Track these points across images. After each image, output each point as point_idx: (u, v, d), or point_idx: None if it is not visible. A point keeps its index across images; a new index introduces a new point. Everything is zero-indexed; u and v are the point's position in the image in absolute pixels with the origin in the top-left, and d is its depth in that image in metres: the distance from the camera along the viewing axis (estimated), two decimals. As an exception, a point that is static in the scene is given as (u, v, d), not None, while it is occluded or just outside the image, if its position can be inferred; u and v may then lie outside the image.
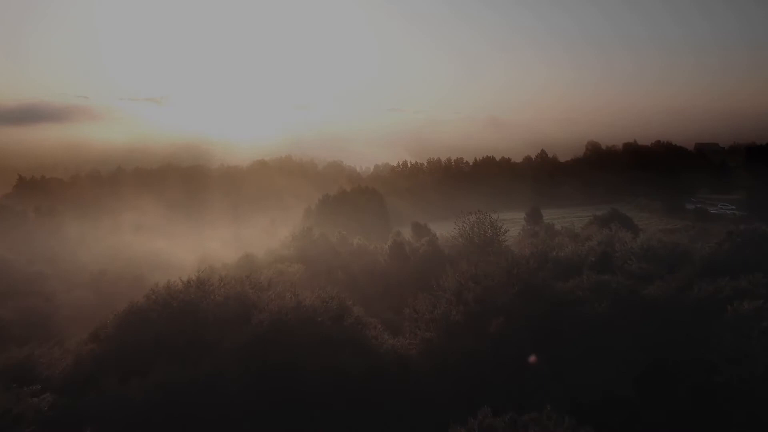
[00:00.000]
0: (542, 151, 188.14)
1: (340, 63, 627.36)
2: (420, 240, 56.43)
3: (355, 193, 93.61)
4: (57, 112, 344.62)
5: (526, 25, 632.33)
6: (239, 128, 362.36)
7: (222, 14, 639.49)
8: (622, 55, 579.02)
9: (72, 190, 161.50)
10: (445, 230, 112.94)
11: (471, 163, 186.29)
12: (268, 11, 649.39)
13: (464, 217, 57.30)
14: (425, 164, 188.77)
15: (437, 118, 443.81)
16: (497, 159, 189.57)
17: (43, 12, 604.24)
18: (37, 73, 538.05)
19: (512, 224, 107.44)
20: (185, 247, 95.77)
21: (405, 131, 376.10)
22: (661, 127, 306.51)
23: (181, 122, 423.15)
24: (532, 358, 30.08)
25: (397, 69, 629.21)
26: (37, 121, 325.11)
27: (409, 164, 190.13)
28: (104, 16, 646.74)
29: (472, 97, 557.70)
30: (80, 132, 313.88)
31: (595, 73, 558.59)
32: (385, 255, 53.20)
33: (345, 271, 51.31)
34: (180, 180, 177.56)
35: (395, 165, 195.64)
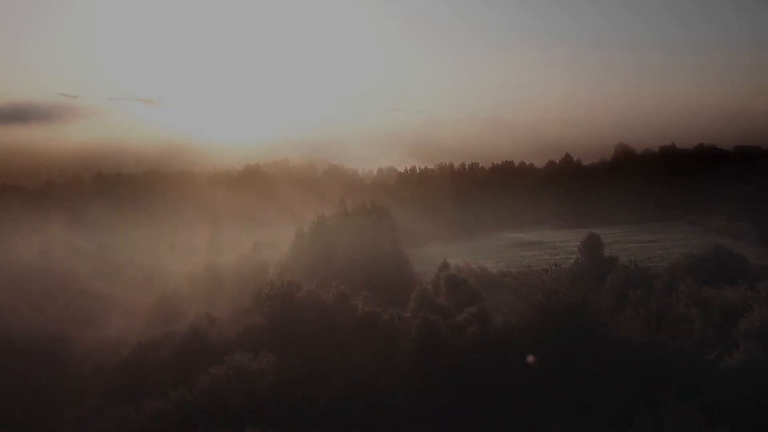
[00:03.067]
0: (567, 155, 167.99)
1: (340, 63, 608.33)
2: (460, 309, 36.76)
3: (359, 214, 74.21)
4: (41, 112, 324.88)
5: (526, 25, 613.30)
6: (235, 130, 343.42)
7: (220, 14, 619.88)
8: (624, 56, 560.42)
9: (36, 201, 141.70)
10: (468, 254, 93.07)
11: (487, 169, 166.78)
12: (265, 11, 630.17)
13: (527, 273, 37.38)
14: (436, 169, 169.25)
15: (438, 118, 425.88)
16: (516, 164, 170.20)
17: (39, 9, 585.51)
18: (28, 72, 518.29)
19: (552, 250, 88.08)
20: (143, 283, 76.29)
21: (406, 131, 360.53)
22: (667, 128, 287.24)
23: (174, 124, 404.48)
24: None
25: (397, 69, 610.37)
26: (17, 122, 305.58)
27: (417, 170, 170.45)
28: (102, 13, 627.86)
29: (473, 96, 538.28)
30: (63, 134, 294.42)
31: (596, 74, 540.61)
32: (409, 334, 33.73)
33: (345, 361, 32.03)
34: (164, 188, 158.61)
35: (402, 171, 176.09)
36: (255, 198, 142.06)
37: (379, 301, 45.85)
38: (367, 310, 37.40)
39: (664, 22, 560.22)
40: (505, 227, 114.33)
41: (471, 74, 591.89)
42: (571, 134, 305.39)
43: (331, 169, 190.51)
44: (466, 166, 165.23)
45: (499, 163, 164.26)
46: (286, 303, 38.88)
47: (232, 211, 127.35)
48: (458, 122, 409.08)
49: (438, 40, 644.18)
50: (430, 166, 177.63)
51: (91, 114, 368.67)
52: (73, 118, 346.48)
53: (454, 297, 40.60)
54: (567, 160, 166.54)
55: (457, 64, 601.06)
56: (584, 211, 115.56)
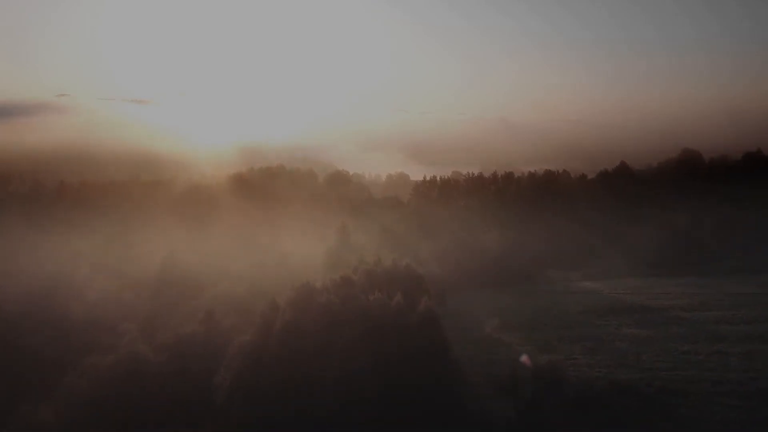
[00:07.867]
0: (622, 162, 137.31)
1: (343, 63, 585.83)
2: None
3: (370, 284, 44.12)
4: (24, 111, 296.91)
5: (530, 25, 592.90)
6: (233, 133, 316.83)
7: (221, 13, 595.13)
8: (632, 57, 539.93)
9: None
10: (534, 324, 61.29)
11: (524, 178, 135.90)
12: (268, 10, 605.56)
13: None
14: (461, 181, 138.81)
15: (444, 119, 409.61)
16: (558, 172, 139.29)
17: (33, 8, 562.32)
18: (21, 71, 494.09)
19: (680, 328, 50.84)
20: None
21: (411, 133, 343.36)
22: (676, 130, 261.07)
23: (168, 126, 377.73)
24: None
25: (402, 70, 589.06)
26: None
27: (438, 180, 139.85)
28: (99, 12, 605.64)
29: (478, 97, 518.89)
30: (43, 135, 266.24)
31: (603, 75, 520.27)
32: None
33: None
34: (128, 202, 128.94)
35: (418, 180, 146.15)
36: (236, 219, 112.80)
37: None
38: None
39: (674, 23, 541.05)
40: (568, 267, 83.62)
41: (476, 75, 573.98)
42: (579, 135, 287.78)
43: (334, 175, 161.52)
44: (499, 177, 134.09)
45: (540, 172, 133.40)
46: None
47: (201, 239, 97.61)
48: (465, 123, 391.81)
49: (442, 40, 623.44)
50: (447, 173, 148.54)
51: (77, 114, 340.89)
52: (57, 119, 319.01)
53: None
54: (622, 169, 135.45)
55: (463, 64, 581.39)
56: (676, 247, 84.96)
